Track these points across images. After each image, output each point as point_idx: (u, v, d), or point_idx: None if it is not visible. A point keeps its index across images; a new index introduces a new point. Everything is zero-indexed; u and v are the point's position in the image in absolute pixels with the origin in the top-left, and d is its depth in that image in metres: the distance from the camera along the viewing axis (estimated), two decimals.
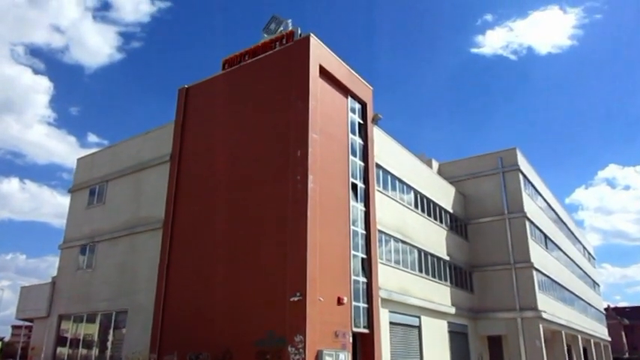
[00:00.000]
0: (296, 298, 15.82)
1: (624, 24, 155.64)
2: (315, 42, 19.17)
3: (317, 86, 18.83)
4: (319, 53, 19.36)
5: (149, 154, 23.64)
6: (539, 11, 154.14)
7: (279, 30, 20.70)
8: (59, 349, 23.95)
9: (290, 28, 20.29)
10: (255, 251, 17.73)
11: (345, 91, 20.88)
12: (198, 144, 21.45)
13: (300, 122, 18.02)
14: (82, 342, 23.06)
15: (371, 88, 22.81)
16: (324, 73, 19.52)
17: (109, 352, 21.54)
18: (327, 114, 19.31)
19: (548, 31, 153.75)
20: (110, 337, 21.88)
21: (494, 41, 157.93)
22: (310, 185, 17.15)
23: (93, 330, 22.78)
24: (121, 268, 22.55)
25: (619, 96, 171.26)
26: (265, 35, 21.12)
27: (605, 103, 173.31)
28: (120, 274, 22.48)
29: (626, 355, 78.40)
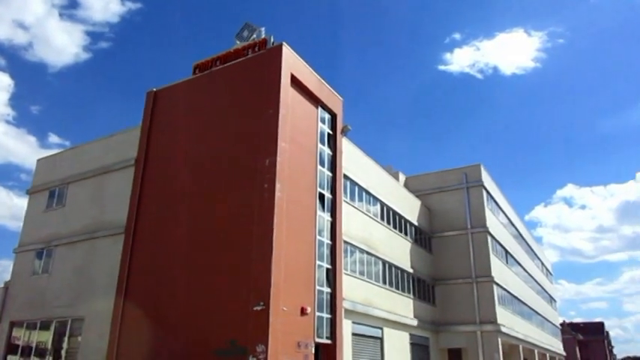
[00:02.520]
0: (259, 308, 15.66)
1: (585, 50, 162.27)
2: (287, 51, 19.23)
3: (288, 95, 18.85)
4: (291, 62, 19.42)
5: (113, 158, 23.10)
6: (505, 33, 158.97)
7: (252, 37, 20.69)
8: (10, 358, 22.94)
9: (263, 36, 20.30)
10: (218, 259, 17.48)
11: (315, 101, 20.98)
12: (164, 149, 21.11)
13: (269, 131, 17.97)
14: (35, 350, 22.14)
15: (341, 99, 23.00)
16: (296, 83, 19.58)
17: None
18: (297, 123, 19.34)
19: (514, 53, 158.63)
20: (65, 345, 21.10)
21: (461, 59, 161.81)
22: (277, 194, 17.09)
23: (46, 337, 21.92)
24: (79, 274, 21.85)
25: (578, 119, 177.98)
26: (237, 42, 21.08)
27: (565, 124, 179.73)
28: (78, 280, 21.78)
29: None
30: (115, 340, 18.63)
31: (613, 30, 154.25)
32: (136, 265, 19.59)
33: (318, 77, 21.19)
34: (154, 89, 22.50)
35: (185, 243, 18.59)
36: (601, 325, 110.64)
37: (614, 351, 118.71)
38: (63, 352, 20.96)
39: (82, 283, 21.49)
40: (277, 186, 17.15)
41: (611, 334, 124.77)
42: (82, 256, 22.11)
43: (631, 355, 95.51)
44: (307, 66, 20.56)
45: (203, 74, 21.24)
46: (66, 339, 21.12)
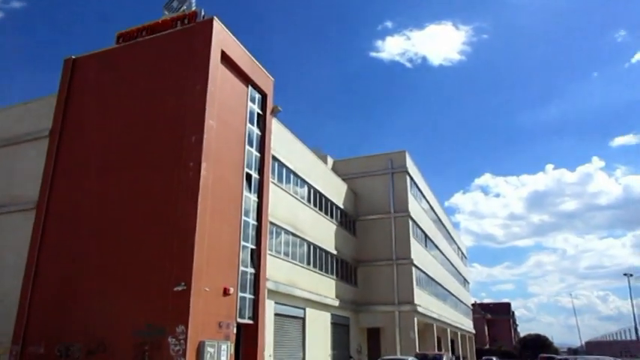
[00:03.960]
0: (180, 288, 15.35)
1: (507, 46, 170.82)
2: (218, 26, 18.68)
3: (217, 72, 18.38)
4: (222, 38, 18.90)
5: (26, 128, 21.50)
6: (435, 24, 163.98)
7: (182, 9, 19.88)
8: None
9: (193, 9, 19.56)
10: (139, 238, 16.89)
11: (245, 79, 20.62)
12: (82, 121, 19.92)
13: (196, 107, 17.46)
14: None
15: (272, 79, 22.75)
16: (226, 59, 19.11)
17: None
18: (226, 101, 18.94)
19: (442, 45, 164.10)
20: None
21: (392, 47, 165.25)
22: (203, 173, 16.72)
23: None
24: None
25: (497, 111, 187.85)
26: (166, 12, 20.18)
27: (485, 117, 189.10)
28: None
29: (487, 346, 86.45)
30: (22, 321, 17.53)
31: (533, 30, 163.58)
32: (48, 242, 18.47)
33: (250, 55, 20.81)
34: (73, 56, 21.10)
35: (102, 221, 17.77)
36: (508, 305, 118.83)
37: (518, 329, 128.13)
38: None
39: None
40: (203, 165, 16.77)
41: (517, 313, 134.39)
42: None
43: (532, 332, 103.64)
44: (238, 43, 20.11)
45: (127, 44, 20.19)
46: None
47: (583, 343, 64.95)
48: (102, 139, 19.14)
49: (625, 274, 42.94)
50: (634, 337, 32.07)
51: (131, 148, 18.40)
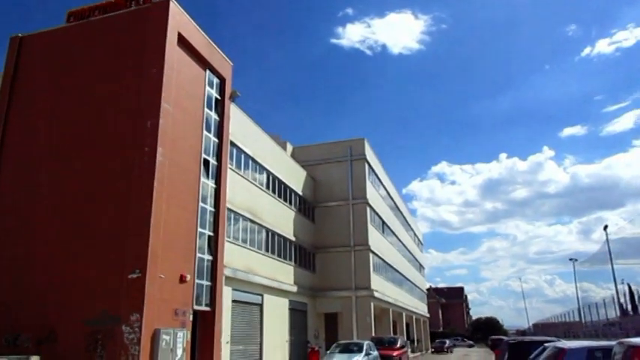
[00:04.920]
0: (135, 275, 15.07)
1: (465, 37, 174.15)
2: (174, 7, 18.18)
3: (174, 55, 17.94)
4: (178, 20, 18.43)
5: None
6: (394, 13, 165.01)
7: None
8: None
9: None
10: (92, 224, 16.43)
11: (203, 63, 20.22)
12: (32, 103, 19.07)
13: (152, 91, 17.01)
14: None
15: (231, 63, 22.41)
16: (183, 42, 18.66)
17: None
18: (183, 85, 18.54)
19: (401, 33, 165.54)
20: None
21: (352, 34, 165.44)
22: (159, 158, 16.36)
23: None
24: None
25: (454, 101, 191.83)
26: None
27: (443, 106, 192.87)
28: None
29: (441, 329, 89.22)
30: None
31: (489, 22, 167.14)
32: None
33: (208, 39, 20.40)
34: (20, 34, 20.13)
35: (54, 206, 17.18)
36: (461, 289, 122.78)
37: (471, 312, 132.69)
38: None
39: None
40: (159, 150, 16.40)
41: (469, 297, 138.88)
42: None
43: (484, 315, 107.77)
44: (196, 26, 19.67)
45: (79, 23, 19.41)
46: None
47: (531, 324, 67.85)
48: (53, 122, 18.40)
49: (570, 259, 45.08)
50: (577, 319, 33.76)
51: (84, 132, 17.79)
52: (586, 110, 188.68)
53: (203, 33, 20.09)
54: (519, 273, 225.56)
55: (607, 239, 29.06)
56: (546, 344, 12.23)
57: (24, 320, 15.84)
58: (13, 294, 16.40)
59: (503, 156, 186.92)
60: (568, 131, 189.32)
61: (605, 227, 29.46)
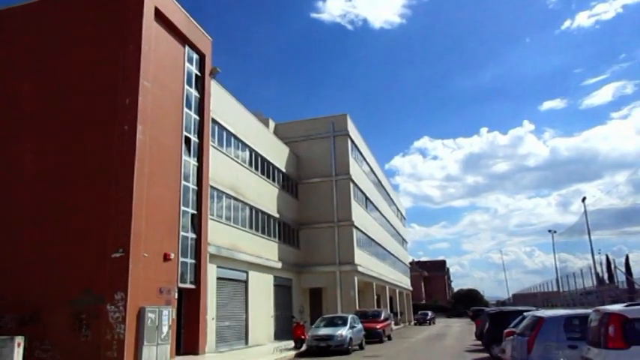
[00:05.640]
0: (118, 255, 15.02)
1: (446, 10, 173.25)
2: None
3: (151, 30, 17.55)
4: None
5: None
6: None
7: None
8: None
9: None
10: (74, 204, 16.24)
11: (182, 39, 19.83)
12: (5, 78, 18.57)
13: (130, 68, 16.67)
14: None
15: (210, 39, 22.01)
16: (160, 17, 18.24)
17: None
18: (162, 62, 18.19)
19: (383, 7, 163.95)
20: None
21: (333, 9, 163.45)
22: (139, 136, 16.15)
23: None
24: None
25: (435, 75, 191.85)
26: None
27: (424, 80, 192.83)
28: None
29: (423, 302, 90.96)
30: None
31: None
32: None
33: (186, 14, 19.96)
34: None
35: (32, 187, 16.92)
36: (443, 262, 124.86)
37: (453, 285, 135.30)
38: None
39: None
40: (139, 127, 16.18)
41: (451, 270, 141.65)
42: None
43: (465, 287, 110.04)
44: (173, 0, 19.21)
45: None
46: None
47: (510, 295, 69.46)
48: (29, 101, 17.99)
49: (549, 231, 45.84)
50: (555, 289, 34.64)
51: (62, 110, 17.44)
52: (565, 83, 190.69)
53: (181, 8, 19.65)
54: (500, 245, 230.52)
55: (585, 211, 29.62)
56: (525, 314, 12.56)
57: (7, 301, 15.72)
58: None
59: (484, 130, 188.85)
60: (548, 105, 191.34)
61: (584, 199, 29.99)
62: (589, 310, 8.51)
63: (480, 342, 20.64)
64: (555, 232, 44.52)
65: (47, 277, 15.65)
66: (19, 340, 10.68)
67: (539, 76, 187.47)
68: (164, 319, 16.14)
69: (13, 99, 18.28)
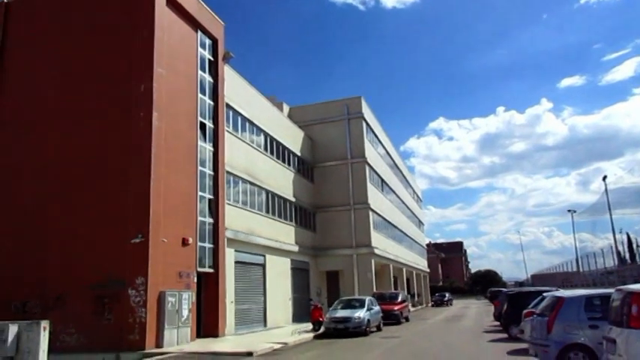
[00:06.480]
0: (137, 240, 15.24)
1: None
2: None
3: (164, 16, 17.53)
4: None
5: None
6: None
7: None
8: None
9: None
10: (93, 192, 16.49)
11: (194, 24, 19.77)
12: (23, 70, 18.77)
13: (144, 55, 16.72)
14: None
15: (223, 23, 21.92)
16: (172, 3, 18.20)
17: None
18: (175, 48, 18.20)
19: None
20: None
21: None
22: (155, 123, 16.25)
23: None
24: None
25: (450, 54, 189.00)
26: None
27: (438, 60, 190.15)
28: None
29: (440, 283, 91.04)
30: None
31: None
32: None
33: None
34: (5, 0, 19.58)
35: (55, 174, 17.18)
36: (460, 244, 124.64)
37: (470, 266, 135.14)
38: None
39: None
40: (154, 114, 16.28)
41: (468, 251, 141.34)
42: None
43: (482, 268, 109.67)
44: None
45: None
46: None
47: (529, 276, 69.11)
48: (46, 90, 18.20)
49: (569, 211, 45.37)
50: (575, 269, 34.35)
51: (79, 99, 17.61)
52: (585, 59, 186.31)
53: None
54: (518, 226, 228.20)
55: (606, 189, 29.26)
56: (545, 294, 12.48)
57: (33, 288, 16.13)
58: (22, 263, 16.62)
59: (500, 109, 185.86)
60: (566, 82, 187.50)
61: (604, 178, 29.59)
62: (610, 290, 8.41)
63: (498, 323, 20.61)
64: (575, 211, 44.09)
65: (70, 263, 15.98)
66: (45, 324, 10.91)
67: (557, 53, 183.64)
68: (184, 302, 16.40)
69: (26, 86, 18.48)
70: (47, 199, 17.04)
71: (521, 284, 69.15)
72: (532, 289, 20.70)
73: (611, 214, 28.63)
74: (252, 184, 24.51)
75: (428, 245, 79.09)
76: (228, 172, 21.39)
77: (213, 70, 20.94)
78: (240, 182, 23.34)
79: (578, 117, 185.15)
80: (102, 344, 14.64)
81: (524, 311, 12.38)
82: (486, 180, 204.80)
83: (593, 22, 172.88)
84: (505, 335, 17.09)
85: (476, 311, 39.02)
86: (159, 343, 15.08)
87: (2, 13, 19.42)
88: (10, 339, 10.69)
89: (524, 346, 11.68)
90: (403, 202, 49.76)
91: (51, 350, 11.10)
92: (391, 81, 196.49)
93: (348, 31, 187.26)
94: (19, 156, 17.89)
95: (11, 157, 17.99)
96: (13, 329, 10.81)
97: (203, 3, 20.21)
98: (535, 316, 10.45)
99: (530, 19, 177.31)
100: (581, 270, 32.20)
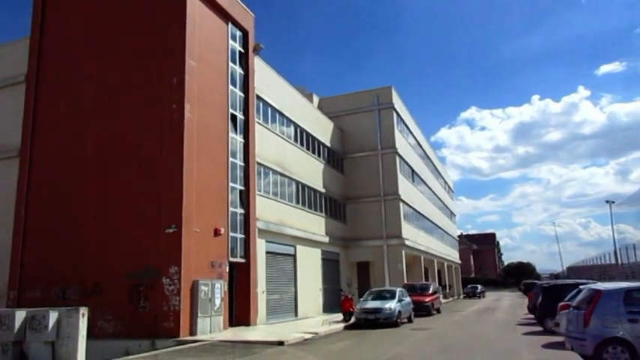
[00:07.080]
0: (171, 230, 15.55)
1: None
2: None
3: (195, 9, 17.70)
4: None
5: (1, 73, 20.80)
6: None
7: None
8: None
9: None
10: (128, 182, 16.89)
11: (225, 16, 19.91)
12: (60, 65, 19.29)
13: (176, 47, 16.95)
14: None
15: (253, 15, 22.00)
16: None
17: None
18: (206, 40, 18.37)
19: None
20: None
21: None
22: (187, 115, 16.49)
23: None
24: None
25: (482, 42, 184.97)
26: None
27: (470, 47, 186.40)
28: None
29: (472, 275, 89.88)
30: (17, 267, 17.79)
31: None
32: (36, 189, 18.41)
33: None
34: None
35: (91, 166, 17.67)
36: (493, 235, 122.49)
37: (503, 258, 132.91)
38: None
39: None
40: (186, 106, 16.51)
41: (501, 243, 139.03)
42: None
43: (516, 260, 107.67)
44: None
45: None
46: None
47: (564, 268, 67.49)
48: (81, 83, 18.65)
49: (607, 201, 44.08)
50: (613, 261, 33.35)
51: (112, 91, 18.01)
52: (625, 45, 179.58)
53: None
54: (552, 217, 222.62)
55: None
56: (581, 287, 12.17)
57: (71, 275, 16.68)
58: (61, 252, 17.19)
59: (535, 98, 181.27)
60: (605, 68, 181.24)
61: None
62: None
63: (532, 315, 20.24)
64: (613, 202, 42.77)
65: (107, 253, 16.44)
66: (84, 310, 11.29)
67: (595, 39, 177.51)
68: (216, 291, 16.68)
69: (63, 80, 18.98)
70: (85, 190, 17.53)
71: (556, 276, 67.62)
72: (568, 281, 20.25)
73: None
74: (282, 175, 24.65)
75: (460, 237, 78.08)
76: (258, 163, 21.56)
77: (244, 61, 21.06)
78: (271, 173, 23.49)
79: (617, 104, 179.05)
80: (138, 331, 15.05)
81: (560, 304, 12.12)
82: (520, 170, 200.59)
83: (634, 6, 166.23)
84: (540, 328, 16.78)
85: (509, 303, 38.40)
86: (192, 331, 15.41)
87: (39, 10, 19.95)
88: (50, 325, 11.11)
89: (559, 339, 11.44)
90: (434, 193, 49.22)
91: (89, 336, 11.50)
92: (422, 70, 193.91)
93: (378, 20, 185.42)
94: (57, 149, 18.44)
95: (52, 151, 18.55)
96: (53, 315, 11.23)
97: None
98: (571, 308, 10.20)
99: (567, 3, 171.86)
100: (619, 262, 31.23)
